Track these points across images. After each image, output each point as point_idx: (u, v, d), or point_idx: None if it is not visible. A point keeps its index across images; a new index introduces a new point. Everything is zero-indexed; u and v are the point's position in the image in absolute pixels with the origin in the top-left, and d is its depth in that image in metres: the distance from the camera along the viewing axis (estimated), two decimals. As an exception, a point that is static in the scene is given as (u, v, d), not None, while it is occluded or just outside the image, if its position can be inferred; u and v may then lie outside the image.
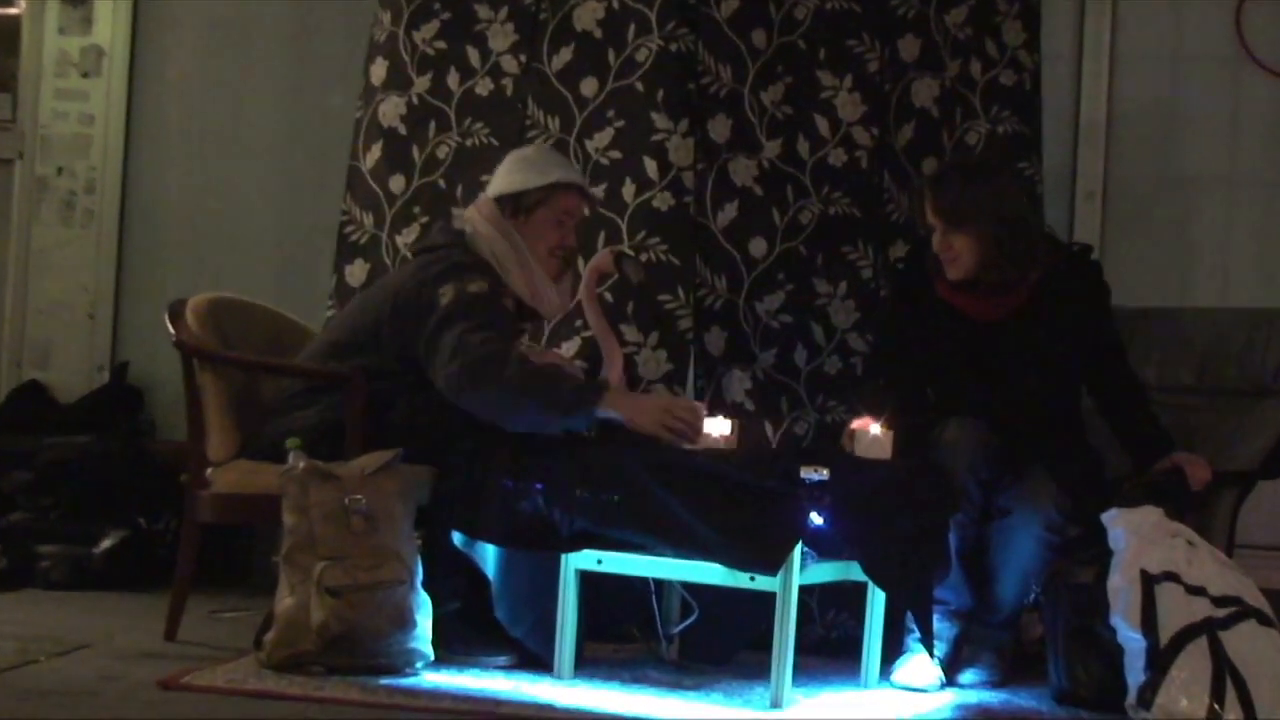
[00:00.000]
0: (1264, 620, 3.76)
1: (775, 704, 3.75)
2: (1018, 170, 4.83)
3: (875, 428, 4.07)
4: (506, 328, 4.15)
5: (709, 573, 3.84)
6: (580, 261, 4.65)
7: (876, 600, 4.12)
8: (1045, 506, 4.09)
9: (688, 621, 4.21)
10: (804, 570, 3.80)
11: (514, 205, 4.28)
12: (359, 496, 3.88)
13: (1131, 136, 5.43)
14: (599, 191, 4.74)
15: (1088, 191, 5.41)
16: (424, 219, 4.89)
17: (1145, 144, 5.43)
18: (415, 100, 4.99)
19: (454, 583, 4.13)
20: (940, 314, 4.32)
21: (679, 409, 4.04)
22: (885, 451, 4.04)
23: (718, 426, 4.01)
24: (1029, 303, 4.27)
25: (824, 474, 3.73)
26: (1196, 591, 3.77)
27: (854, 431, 4.12)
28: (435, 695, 3.71)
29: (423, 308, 4.09)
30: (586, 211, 4.41)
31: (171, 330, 4.30)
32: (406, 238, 4.89)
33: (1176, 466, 4.15)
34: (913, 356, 4.39)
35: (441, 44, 5.00)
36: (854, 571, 3.98)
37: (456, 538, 4.15)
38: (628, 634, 4.32)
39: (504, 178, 4.33)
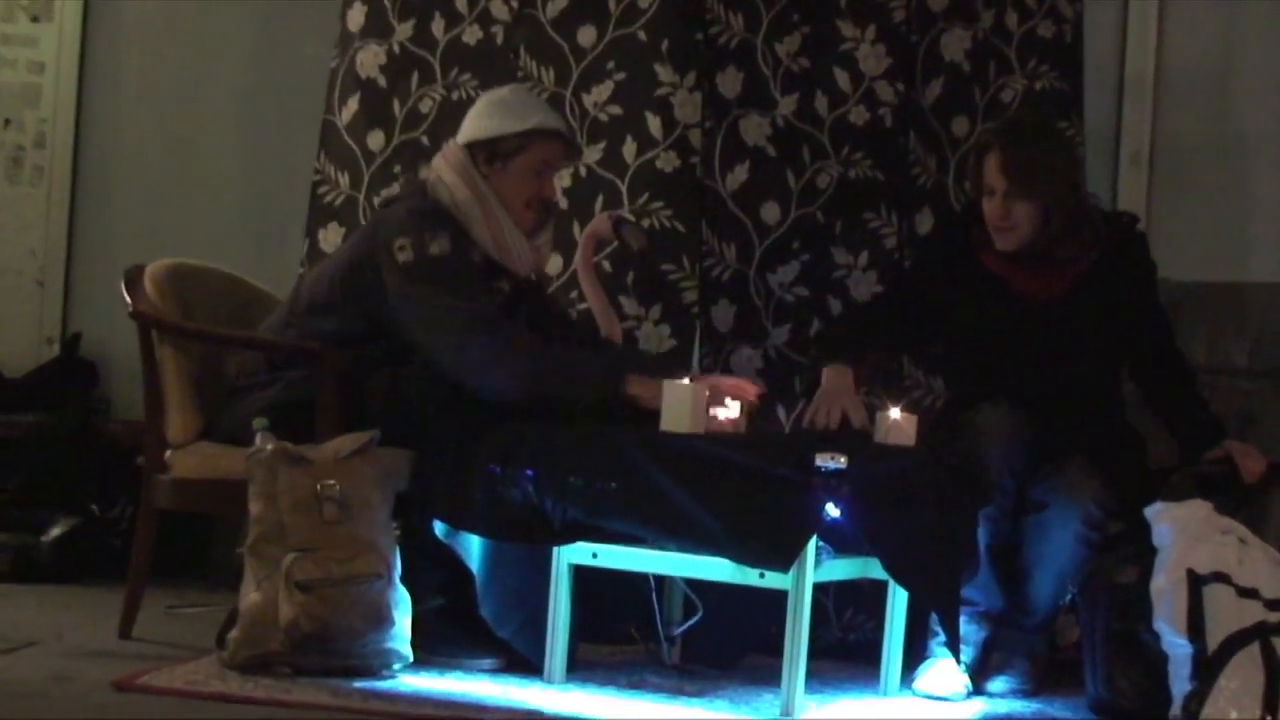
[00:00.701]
0: (1322, 626, 3.76)
1: (786, 712, 3.75)
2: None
3: (895, 411, 4.06)
4: (480, 290, 4.11)
5: (714, 568, 3.83)
6: (575, 226, 4.65)
7: (898, 600, 4.12)
8: (1085, 501, 4.08)
9: (691, 622, 4.20)
10: (819, 566, 3.80)
11: (488, 153, 4.24)
12: (332, 482, 3.88)
13: (1181, 93, 5.41)
14: (597, 151, 4.73)
15: (1132, 153, 5.40)
16: (405, 179, 4.88)
17: (1196, 102, 5.42)
18: (396, 49, 4.98)
19: (435, 577, 4.13)
20: (987, 288, 4.28)
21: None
22: (909, 438, 4.04)
23: (724, 410, 4.00)
24: (1085, 281, 4.24)
25: (841, 462, 3.72)
26: (1248, 594, 3.76)
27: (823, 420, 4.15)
28: (414, 700, 3.70)
29: (377, 257, 4.10)
30: (581, 171, 4.38)
31: (128, 299, 4.29)
32: (386, 199, 4.88)
33: (1227, 456, 4.14)
34: (908, 317, 4.37)
35: (426, -13, 4.99)
36: (874, 569, 3.97)
37: (438, 528, 4.14)
38: (625, 635, 4.31)
39: (476, 122, 4.29)
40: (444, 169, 4.25)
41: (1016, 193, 4.16)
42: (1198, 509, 3.88)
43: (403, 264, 4.06)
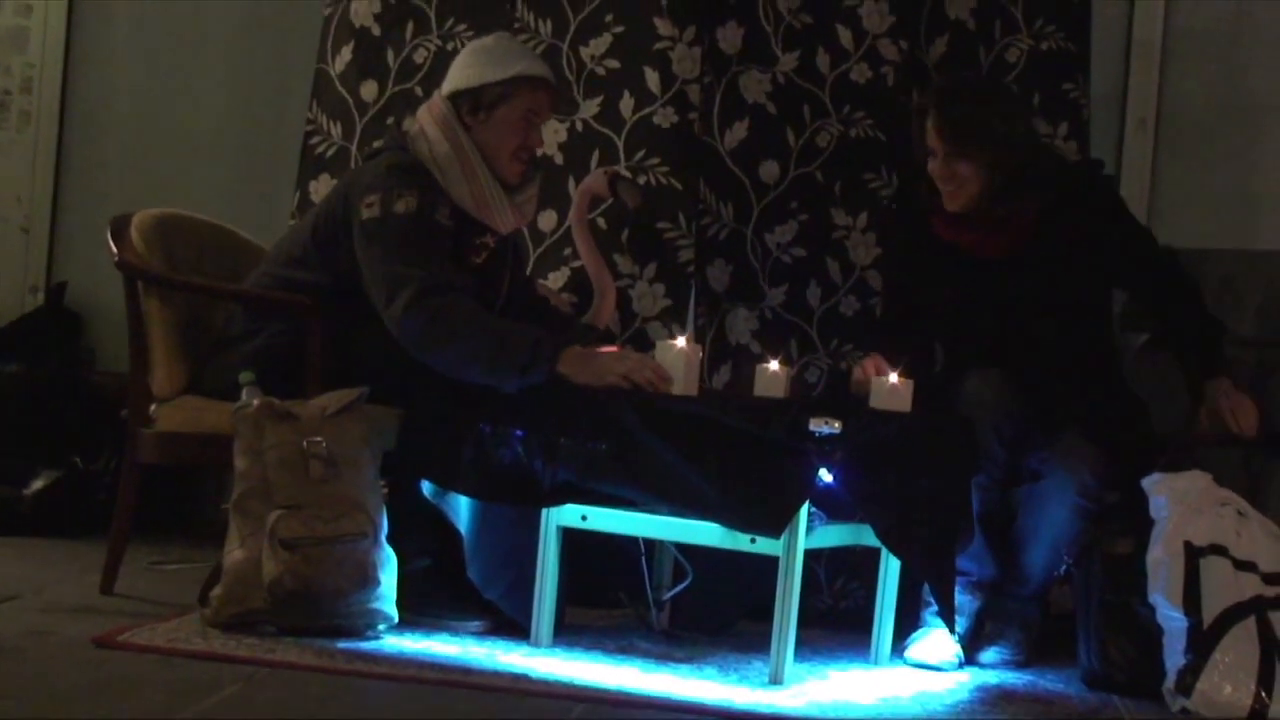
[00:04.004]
0: (1319, 601, 3.77)
1: (775, 680, 3.76)
2: (1026, 93, 4.80)
3: (893, 376, 4.06)
4: (439, 254, 4.07)
5: (705, 533, 3.84)
6: (571, 182, 4.64)
7: (890, 568, 4.13)
8: (1081, 472, 4.09)
9: (680, 587, 4.21)
10: (811, 533, 3.80)
11: (471, 103, 4.22)
12: (319, 439, 3.88)
13: (1189, 57, 5.41)
14: (593, 105, 4.72)
15: (1139, 118, 5.39)
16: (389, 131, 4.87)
17: (1205, 65, 5.41)
18: (391, -3, 4.97)
19: (423, 538, 4.14)
20: (940, 254, 4.32)
21: (628, 366, 3.95)
22: (904, 403, 4.04)
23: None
24: (1036, 234, 4.25)
25: (836, 427, 3.73)
26: (1245, 567, 3.78)
27: (862, 378, 4.13)
28: (399, 661, 3.72)
29: (348, 215, 4.09)
30: (577, 126, 4.36)
31: (114, 249, 4.28)
32: (378, 151, 4.87)
33: (1216, 420, 4.13)
34: (921, 304, 4.39)
35: (421, -66, 4.97)
36: (866, 536, 3.98)
37: (426, 488, 4.15)
38: (614, 599, 4.33)
39: (460, 72, 4.27)
40: (427, 122, 4.23)
41: (955, 153, 4.19)
42: (1196, 480, 3.89)
43: (366, 220, 4.05)
